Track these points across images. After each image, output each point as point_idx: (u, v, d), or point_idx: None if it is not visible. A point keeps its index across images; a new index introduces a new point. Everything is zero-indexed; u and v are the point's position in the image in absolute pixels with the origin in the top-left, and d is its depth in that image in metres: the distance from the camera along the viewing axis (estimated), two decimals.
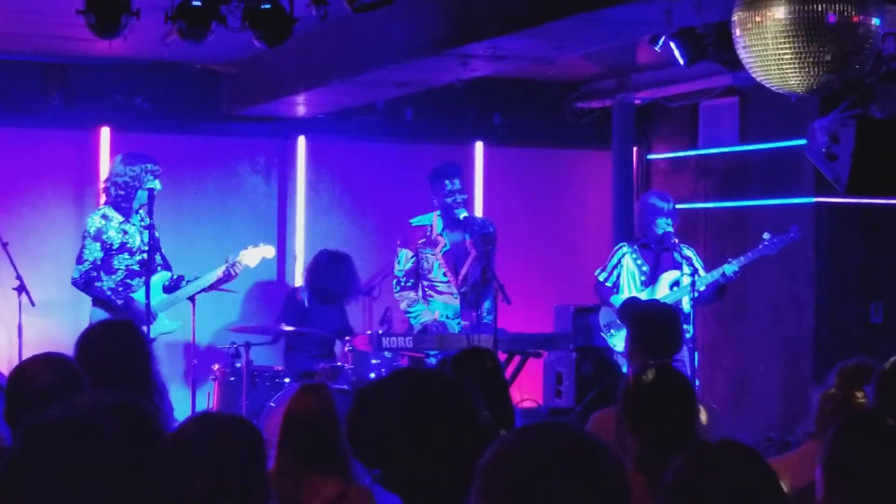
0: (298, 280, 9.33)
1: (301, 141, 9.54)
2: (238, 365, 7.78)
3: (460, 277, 7.95)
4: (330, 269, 8.75)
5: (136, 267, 7.65)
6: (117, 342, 4.19)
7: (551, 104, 10.01)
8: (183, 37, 5.87)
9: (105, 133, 8.99)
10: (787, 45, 4.88)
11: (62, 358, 3.76)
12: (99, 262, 7.64)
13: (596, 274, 8.08)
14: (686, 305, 7.60)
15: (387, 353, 7.73)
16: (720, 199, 9.47)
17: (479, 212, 9.49)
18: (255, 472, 2.96)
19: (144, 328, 7.11)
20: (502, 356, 7.40)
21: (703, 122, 9.69)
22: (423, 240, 8.04)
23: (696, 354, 7.71)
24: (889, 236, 8.75)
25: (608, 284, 7.99)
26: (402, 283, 8.04)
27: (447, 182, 8.00)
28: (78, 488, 1.90)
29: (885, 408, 3.44)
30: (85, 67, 8.85)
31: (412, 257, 8.03)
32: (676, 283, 7.79)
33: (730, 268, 7.60)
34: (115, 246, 7.66)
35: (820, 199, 8.55)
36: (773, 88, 5.14)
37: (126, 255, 7.67)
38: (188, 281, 7.84)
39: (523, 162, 10.13)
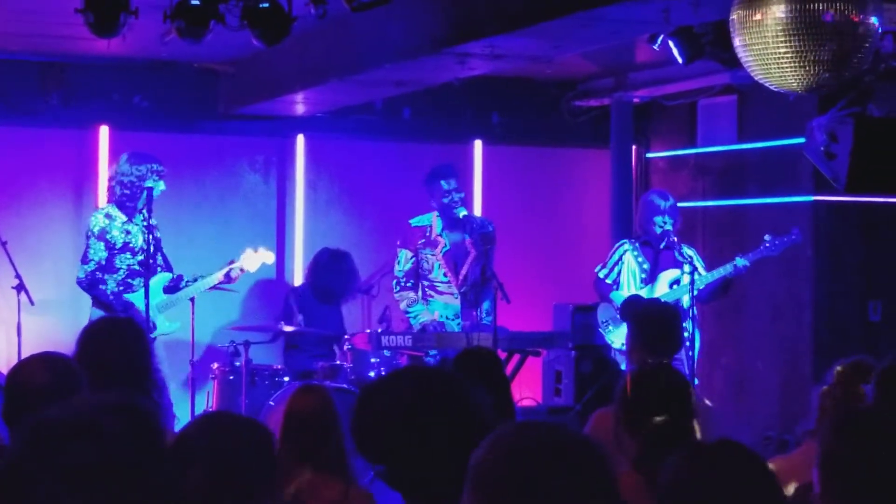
0: (298, 279, 9.33)
1: (300, 140, 9.54)
2: (237, 364, 7.78)
3: (460, 277, 7.96)
4: (331, 267, 8.76)
5: (137, 267, 7.65)
6: (117, 339, 4.20)
7: (550, 103, 10.01)
8: (181, 36, 5.88)
9: (104, 132, 8.99)
10: (786, 44, 4.88)
11: (60, 357, 3.76)
12: (104, 262, 7.64)
13: (596, 270, 8.09)
14: (686, 304, 7.59)
15: (386, 352, 7.73)
16: (718, 198, 9.47)
17: (477, 210, 9.49)
18: (262, 474, 2.96)
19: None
20: (501, 355, 7.40)
21: (702, 121, 9.69)
22: (423, 240, 8.05)
23: (696, 353, 7.70)
24: (888, 235, 8.75)
25: (608, 281, 7.99)
26: (402, 284, 8.05)
27: (443, 182, 8.01)
28: (79, 488, 1.91)
29: (885, 406, 3.44)
30: (84, 66, 8.85)
31: (412, 258, 8.04)
32: (676, 282, 7.79)
33: (741, 261, 7.61)
34: (118, 245, 7.66)
35: (818, 198, 8.55)
36: (771, 87, 5.14)
37: (128, 255, 7.67)
38: (187, 282, 7.85)
39: (522, 161, 10.13)
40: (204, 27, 5.83)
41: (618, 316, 7.85)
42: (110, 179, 7.84)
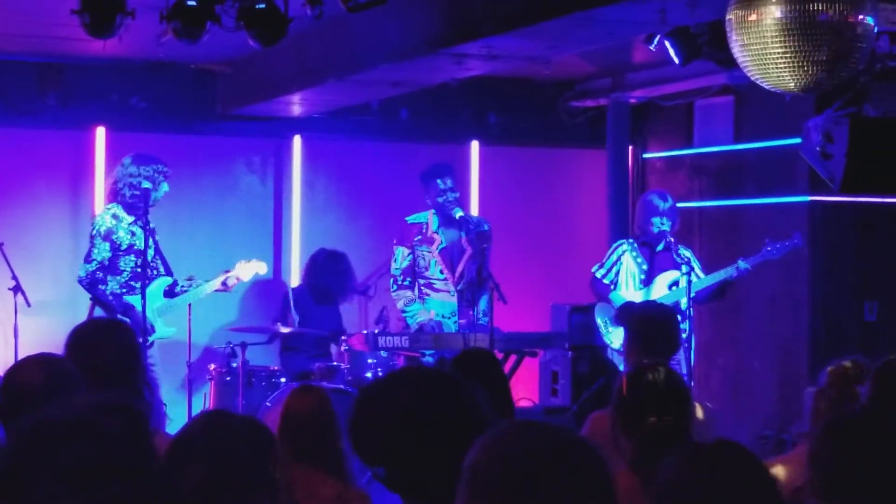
0: (295, 279, 9.33)
1: (296, 140, 9.54)
2: (234, 365, 7.78)
3: (457, 275, 7.95)
4: (328, 268, 8.76)
5: (140, 269, 7.64)
6: (107, 339, 4.19)
7: (546, 103, 10.01)
8: (178, 37, 5.88)
9: (101, 133, 8.99)
10: (782, 44, 4.89)
11: (57, 358, 3.76)
12: (107, 263, 7.63)
13: (593, 270, 8.08)
14: (683, 304, 7.60)
15: (383, 353, 7.74)
16: (715, 198, 9.48)
17: (474, 211, 9.50)
18: (262, 472, 2.96)
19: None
20: (498, 355, 7.40)
21: (698, 121, 9.70)
22: (419, 237, 8.04)
23: (693, 353, 7.70)
24: (884, 235, 8.76)
25: (606, 281, 7.99)
26: (399, 282, 8.04)
27: (439, 181, 8.01)
28: (77, 488, 1.91)
29: (879, 406, 3.44)
30: (80, 67, 8.84)
31: (409, 255, 8.03)
32: (675, 284, 7.79)
33: (743, 264, 7.62)
34: (123, 247, 7.65)
35: (815, 198, 8.56)
36: (767, 87, 5.14)
37: (132, 257, 7.66)
38: (182, 287, 7.84)
39: (519, 161, 10.13)
40: (200, 28, 5.83)
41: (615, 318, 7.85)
42: (115, 182, 7.81)
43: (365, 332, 7.86)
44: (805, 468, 2.71)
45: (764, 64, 4.98)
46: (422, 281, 8.00)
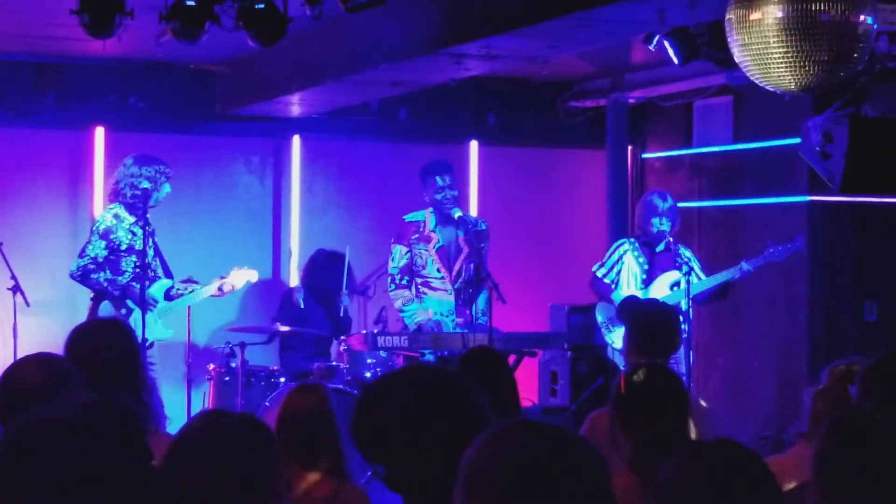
0: (294, 279, 9.33)
1: (295, 140, 9.54)
2: (233, 365, 7.78)
3: (454, 273, 7.94)
4: (327, 268, 8.75)
5: (137, 270, 7.64)
6: (106, 339, 4.19)
7: (545, 103, 10.01)
8: (177, 37, 5.87)
9: (99, 133, 8.98)
10: (782, 44, 4.89)
11: (56, 358, 3.77)
12: (101, 260, 7.62)
13: (593, 269, 8.07)
14: (684, 304, 7.59)
15: (382, 353, 7.73)
16: (714, 198, 9.48)
17: (473, 211, 9.50)
18: (265, 471, 2.97)
19: (139, 330, 7.16)
20: None
21: (698, 122, 9.70)
22: (416, 235, 8.02)
23: (692, 353, 7.70)
24: (883, 235, 8.76)
25: (606, 281, 7.98)
26: (398, 282, 8.01)
27: (438, 178, 8.00)
28: (72, 487, 1.90)
29: (868, 406, 3.44)
30: (79, 67, 8.84)
31: (406, 253, 8.00)
32: (677, 284, 7.78)
33: (746, 266, 7.63)
34: (123, 247, 7.63)
35: (814, 198, 8.56)
36: (767, 87, 5.14)
37: (133, 258, 7.65)
38: (178, 290, 7.83)
39: (518, 161, 10.13)
40: (199, 28, 5.83)
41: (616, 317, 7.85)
42: (117, 182, 7.80)
43: (364, 331, 7.86)
44: (799, 468, 2.71)
45: (764, 64, 4.98)
46: (419, 279, 7.99)
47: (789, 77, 4.96)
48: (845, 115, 6.72)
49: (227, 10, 5.84)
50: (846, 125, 6.67)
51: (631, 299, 7.60)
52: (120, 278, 7.63)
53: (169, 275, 7.87)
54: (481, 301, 7.89)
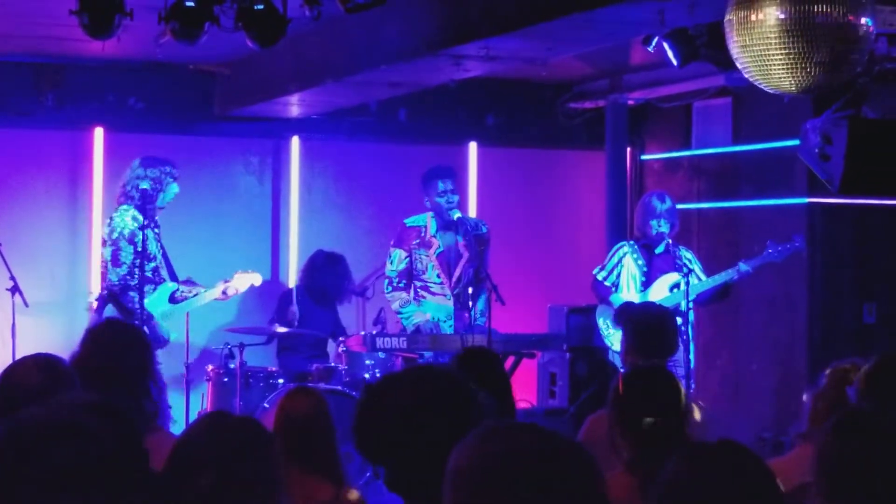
0: (293, 280, 9.33)
1: (294, 141, 9.54)
2: (232, 366, 7.77)
3: (453, 280, 7.94)
4: (326, 269, 8.75)
5: (149, 274, 7.61)
6: (119, 340, 4.20)
7: (544, 105, 10.01)
8: (176, 37, 5.87)
9: (98, 133, 8.98)
10: (781, 45, 4.88)
11: (53, 358, 3.77)
12: (131, 266, 7.56)
13: (594, 273, 8.06)
14: (683, 306, 7.59)
15: (380, 354, 7.73)
16: (713, 200, 9.48)
17: (472, 212, 9.49)
18: (269, 473, 2.98)
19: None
20: None
21: (697, 123, 9.70)
22: (418, 240, 8.02)
23: (693, 355, 7.70)
24: (882, 237, 8.76)
25: (607, 283, 7.97)
26: (395, 284, 8.02)
27: (440, 183, 7.99)
28: (62, 489, 1.90)
29: (866, 407, 3.44)
30: (78, 68, 8.84)
31: (406, 258, 8.01)
32: (677, 286, 7.77)
33: (745, 266, 7.61)
34: (139, 249, 7.59)
35: (813, 200, 8.56)
36: (766, 89, 5.14)
37: (137, 260, 7.62)
38: (182, 292, 7.80)
39: (517, 162, 10.13)
40: (199, 29, 5.83)
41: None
42: (125, 184, 7.78)
43: (363, 333, 7.86)
44: (799, 469, 2.71)
45: (763, 65, 4.97)
46: (418, 284, 7.98)
47: (788, 78, 4.95)
48: (844, 116, 6.71)
49: (226, 10, 5.84)
50: (845, 127, 6.66)
51: (627, 305, 7.59)
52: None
53: (174, 278, 7.85)
54: (480, 303, 7.89)
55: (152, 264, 7.60)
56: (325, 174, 9.66)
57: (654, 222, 7.85)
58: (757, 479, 2.39)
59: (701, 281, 7.76)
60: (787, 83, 4.99)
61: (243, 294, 8.97)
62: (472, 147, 9.96)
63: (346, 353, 7.85)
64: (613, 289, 7.96)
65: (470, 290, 7.93)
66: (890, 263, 8.79)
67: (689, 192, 9.61)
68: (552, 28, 5.97)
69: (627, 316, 5.80)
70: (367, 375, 7.71)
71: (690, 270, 7.66)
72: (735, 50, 5.06)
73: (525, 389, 8.98)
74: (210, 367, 7.97)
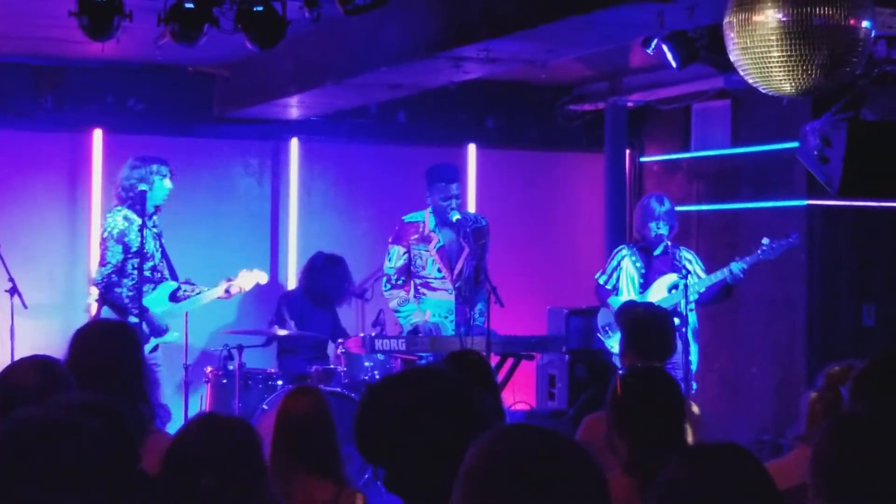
0: (292, 282, 9.33)
1: (294, 143, 9.54)
2: (231, 367, 7.77)
3: (455, 273, 7.89)
4: (325, 271, 8.75)
5: (147, 273, 7.60)
6: (109, 340, 4.20)
7: (544, 107, 10.02)
8: (175, 39, 5.88)
9: (98, 135, 8.98)
10: (780, 47, 4.89)
11: (51, 360, 3.76)
12: (118, 265, 7.57)
13: (596, 277, 8.05)
14: (683, 307, 7.58)
15: (380, 356, 7.72)
16: (713, 202, 9.48)
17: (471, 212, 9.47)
18: (259, 470, 2.99)
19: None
20: (495, 358, 7.39)
21: (696, 125, 9.70)
22: (417, 235, 7.95)
23: (696, 360, 7.70)
24: (881, 239, 8.76)
25: (608, 287, 7.97)
26: (393, 282, 7.94)
27: (445, 185, 7.87)
28: (56, 490, 1.90)
29: (859, 408, 3.44)
30: (78, 69, 8.84)
31: (404, 254, 7.93)
32: (675, 287, 7.77)
33: (737, 265, 7.58)
34: (133, 249, 7.58)
35: (812, 202, 8.56)
36: (765, 91, 5.14)
37: (136, 261, 7.61)
38: (184, 291, 7.79)
39: (516, 164, 10.13)
40: (198, 30, 5.83)
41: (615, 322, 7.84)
42: (118, 185, 7.78)
43: (362, 334, 7.84)
44: (799, 471, 2.71)
45: (762, 67, 4.97)
46: (418, 281, 7.93)
47: (788, 81, 4.95)
48: (844, 118, 6.72)
49: (225, 12, 5.84)
50: (844, 129, 6.67)
51: (628, 304, 7.59)
52: (125, 280, 7.57)
53: (175, 277, 7.84)
54: (480, 304, 7.87)
55: (150, 263, 7.59)
56: (325, 176, 9.66)
57: (653, 224, 7.84)
58: (755, 480, 2.39)
59: (699, 279, 7.74)
60: (787, 85, 4.99)
61: (243, 296, 8.98)
62: (472, 149, 9.96)
63: (345, 355, 7.84)
64: (614, 292, 7.95)
65: (469, 290, 7.91)
66: (889, 265, 8.79)
67: (689, 194, 9.61)
68: (552, 30, 5.97)
69: (625, 317, 5.80)
70: (366, 377, 7.70)
71: (689, 272, 7.65)
72: (734, 52, 5.07)
73: (524, 391, 8.99)
74: (209, 369, 7.97)
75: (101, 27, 5.80)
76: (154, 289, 7.61)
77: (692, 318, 7.66)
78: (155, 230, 7.65)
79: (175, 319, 7.84)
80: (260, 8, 5.83)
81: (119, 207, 7.67)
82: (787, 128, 8.12)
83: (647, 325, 5.37)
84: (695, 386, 7.65)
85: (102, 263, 7.57)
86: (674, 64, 6.92)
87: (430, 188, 7.93)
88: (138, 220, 7.59)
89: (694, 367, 7.69)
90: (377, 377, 7.60)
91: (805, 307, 8.67)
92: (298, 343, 8.46)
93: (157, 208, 7.66)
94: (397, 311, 7.90)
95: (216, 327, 8.81)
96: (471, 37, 6.38)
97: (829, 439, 2.58)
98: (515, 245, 9.72)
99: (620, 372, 5.17)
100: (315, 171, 9.63)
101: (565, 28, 5.91)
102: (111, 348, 4.12)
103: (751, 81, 5.11)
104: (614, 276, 7.96)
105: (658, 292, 7.82)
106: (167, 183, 7.64)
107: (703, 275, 7.80)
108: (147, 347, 7.20)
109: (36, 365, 3.69)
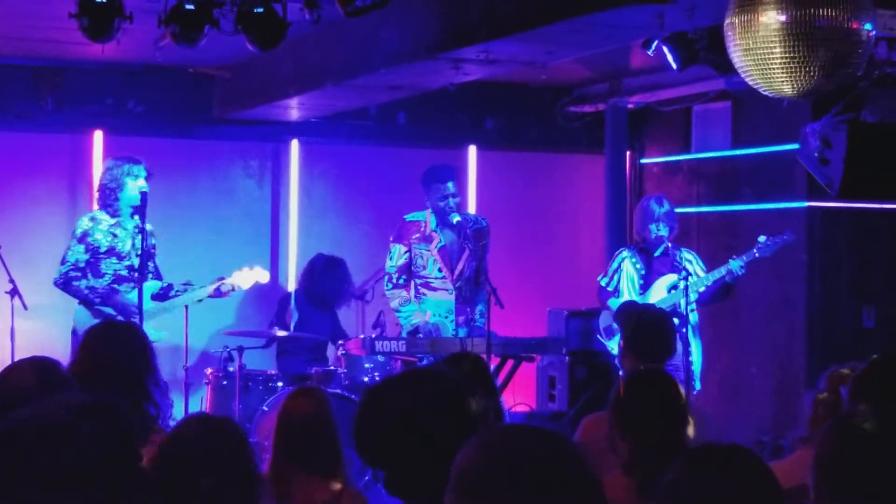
0: (292, 283, 9.32)
1: (294, 144, 9.54)
2: (231, 369, 7.77)
3: (456, 273, 7.88)
4: (326, 273, 8.74)
5: (124, 272, 7.59)
6: (119, 340, 4.20)
7: (544, 108, 10.01)
8: (176, 40, 5.88)
9: (98, 136, 8.98)
10: (781, 49, 4.89)
11: (50, 361, 3.76)
12: (82, 265, 7.55)
13: (598, 279, 8.04)
14: (683, 307, 7.58)
15: (380, 357, 7.72)
16: (713, 204, 9.48)
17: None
18: (253, 469, 3.00)
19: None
20: (495, 360, 7.39)
21: (696, 127, 9.70)
22: (418, 235, 7.94)
23: (699, 361, 7.69)
24: (881, 240, 8.76)
25: (609, 289, 7.97)
26: (395, 281, 7.92)
27: (441, 186, 7.88)
28: (54, 491, 1.89)
29: (859, 409, 3.44)
30: (78, 71, 8.84)
31: (405, 253, 7.92)
32: (675, 287, 7.77)
33: (735, 263, 7.57)
34: (103, 249, 7.56)
35: (812, 204, 8.56)
36: (765, 92, 5.14)
37: (114, 260, 7.59)
38: (177, 291, 7.76)
39: (516, 166, 10.13)
40: (198, 32, 5.83)
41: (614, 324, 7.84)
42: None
43: (362, 336, 7.84)
44: (801, 473, 2.71)
45: (763, 69, 4.97)
46: (418, 281, 7.92)
47: (789, 82, 4.95)
48: (844, 120, 6.72)
49: (226, 14, 5.84)
50: (845, 131, 6.67)
51: (628, 305, 7.59)
52: (101, 280, 7.58)
53: (159, 277, 7.80)
54: (480, 306, 7.86)
55: (125, 263, 7.58)
56: (325, 177, 9.66)
57: (653, 226, 7.84)
58: (759, 481, 2.39)
59: (698, 278, 7.73)
60: (788, 87, 4.99)
61: (242, 297, 8.97)
62: (472, 150, 9.96)
63: (345, 357, 7.83)
64: (615, 294, 7.94)
65: (470, 291, 7.90)
66: (889, 266, 8.79)
67: (689, 196, 9.61)
68: (552, 32, 5.97)
69: (625, 318, 5.79)
70: (366, 379, 7.70)
71: (690, 273, 7.65)
72: (735, 53, 5.07)
73: (524, 393, 8.98)
74: (209, 371, 7.97)
75: (101, 28, 5.80)
76: (133, 288, 7.59)
77: (693, 317, 7.65)
78: (134, 230, 7.59)
79: (164, 319, 7.80)
80: (260, 9, 5.83)
81: (93, 211, 7.70)
82: (788, 129, 8.12)
83: (647, 327, 5.37)
84: (698, 386, 7.63)
85: (62, 262, 7.62)
86: (674, 65, 6.92)
87: (426, 191, 7.94)
88: (109, 220, 7.58)
89: (698, 366, 7.68)
90: (377, 379, 7.59)
91: (805, 308, 8.67)
92: (298, 345, 8.45)
93: (137, 209, 7.57)
94: (398, 311, 7.88)
95: (216, 329, 8.81)
96: (470, 38, 6.38)
97: (829, 441, 2.58)
98: (515, 246, 9.71)
99: (621, 374, 5.18)
100: (315, 172, 9.63)
101: (565, 29, 5.91)
102: (117, 347, 4.13)
103: (751, 83, 5.11)
104: (615, 278, 7.96)
105: (658, 293, 7.82)
106: (140, 183, 7.54)
107: (703, 275, 7.80)
108: None
109: (35, 366, 3.69)
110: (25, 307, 7.99)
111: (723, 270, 7.62)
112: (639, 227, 7.99)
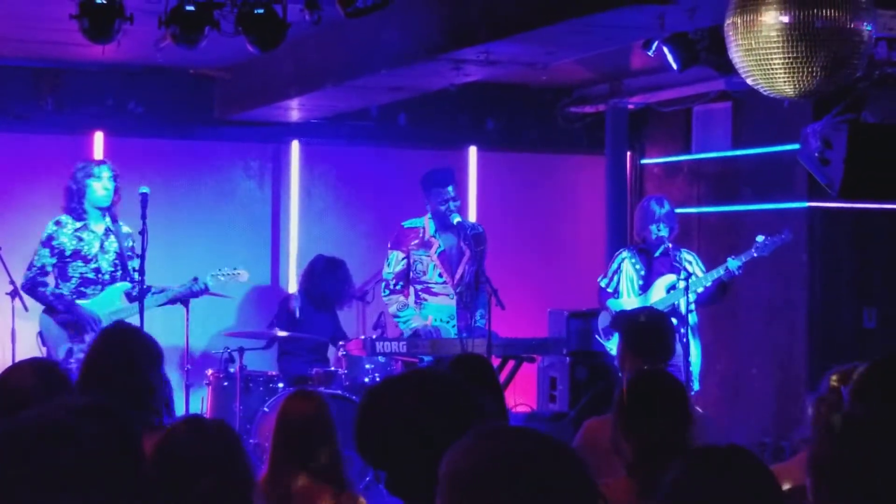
0: (292, 284, 9.32)
1: (294, 145, 9.54)
2: (232, 370, 7.77)
3: (456, 277, 7.89)
4: (326, 274, 8.74)
5: (90, 275, 7.58)
6: (116, 345, 4.20)
7: (545, 109, 10.01)
8: (176, 42, 5.88)
9: (98, 138, 8.98)
10: (781, 49, 4.88)
11: (49, 363, 3.77)
12: (49, 269, 7.58)
13: (598, 280, 8.04)
14: (683, 307, 7.58)
15: (380, 358, 7.72)
16: (713, 204, 9.48)
17: (472, 216, 9.48)
18: (246, 472, 3.01)
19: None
20: (496, 361, 7.39)
21: (697, 127, 9.70)
22: (417, 241, 7.95)
23: (699, 362, 7.69)
24: (882, 241, 8.76)
25: (609, 290, 7.97)
26: (392, 287, 7.94)
27: (441, 189, 7.87)
28: (53, 493, 1.89)
29: (859, 410, 3.44)
30: (78, 72, 8.84)
31: (403, 259, 7.94)
32: (674, 287, 7.77)
33: (734, 262, 7.57)
34: (68, 253, 7.56)
35: (813, 204, 8.56)
36: (766, 93, 5.14)
37: (80, 263, 7.58)
38: (154, 293, 7.72)
39: (517, 167, 10.13)
40: (199, 33, 5.83)
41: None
42: None
43: (363, 337, 7.84)
44: (803, 474, 2.70)
45: (764, 69, 4.97)
46: (419, 286, 7.93)
47: (789, 82, 4.95)
48: (844, 121, 6.72)
49: (226, 15, 5.84)
50: (845, 131, 6.67)
51: (623, 312, 7.58)
52: (68, 284, 7.59)
53: (129, 278, 7.71)
54: (480, 307, 7.86)
55: (92, 265, 7.57)
56: (326, 178, 9.65)
57: (653, 227, 7.84)
58: (759, 481, 2.39)
59: (697, 278, 7.73)
60: (788, 87, 4.98)
61: (243, 298, 8.99)
62: (472, 151, 9.96)
63: (346, 358, 7.83)
64: (614, 295, 7.94)
65: (470, 295, 7.90)
66: (889, 267, 8.78)
67: (690, 197, 9.61)
68: (552, 32, 5.96)
69: (623, 321, 5.79)
70: (367, 379, 7.70)
71: (690, 273, 7.64)
72: (736, 54, 5.06)
73: (525, 394, 8.98)
74: (210, 371, 7.97)
75: (101, 30, 5.80)
76: (102, 290, 7.58)
77: (692, 317, 7.65)
78: (99, 233, 7.58)
79: (171, 318, 7.78)
80: (261, 10, 5.83)
81: (60, 215, 7.71)
82: (788, 130, 8.12)
83: (645, 328, 5.36)
84: (697, 386, 7.63)
85: (28, 267, 7.65)
86: (675, 66, 6.92)
87: (426, 195, 7.95)
88: (74, 224, 7.60)
89: (697, 367, 7.68)
90: (378, 379, 7.59)
91: (806, 309, 8.66)
92: (299, 345, 8.46)
93: (106, 210, 7.57)
94: (396, 317, 7.90)
95: (217, 330, 8.81)
96: (471, 39, 6.38)
97: (829, 441, 2.58)
98: (516, 247, 9.71)
99: (621, 375, 5.17)
100: (316, 173, 9.62)
101: (565, 30, 5.91)
102: (132, 351, 4.13)
103: (752, 83, 5.11)
104: (615, 279, 7.96)
105: (657, 293, 7.82)
106: (105, 184, 7.55)
107: (701, 274, 7.79)
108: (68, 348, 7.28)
109: (34, 367, 3.69)
110: (26, 308, 7.98)
111: (721, 270, 7.61)
112: (639, 227, 7.98)
